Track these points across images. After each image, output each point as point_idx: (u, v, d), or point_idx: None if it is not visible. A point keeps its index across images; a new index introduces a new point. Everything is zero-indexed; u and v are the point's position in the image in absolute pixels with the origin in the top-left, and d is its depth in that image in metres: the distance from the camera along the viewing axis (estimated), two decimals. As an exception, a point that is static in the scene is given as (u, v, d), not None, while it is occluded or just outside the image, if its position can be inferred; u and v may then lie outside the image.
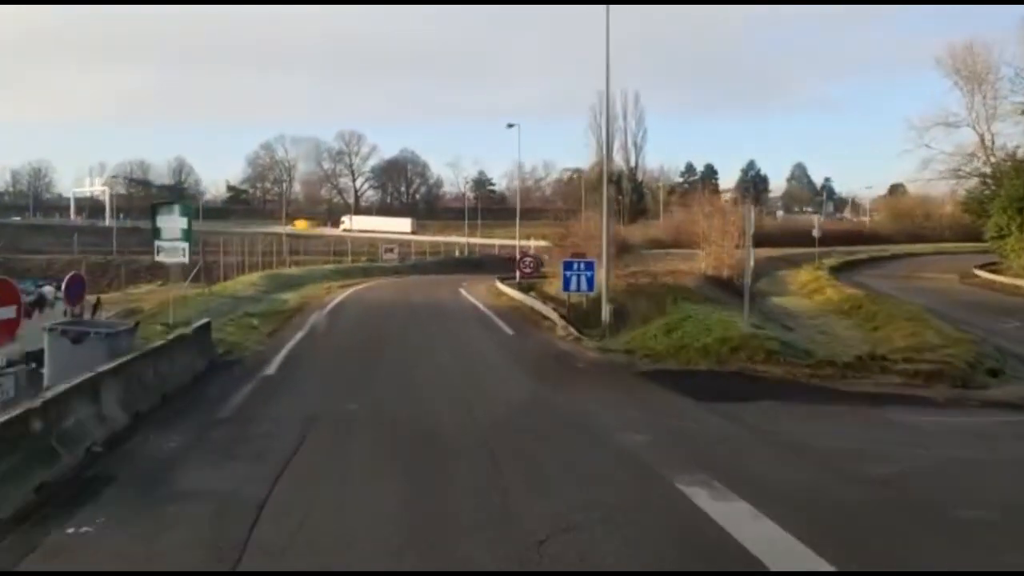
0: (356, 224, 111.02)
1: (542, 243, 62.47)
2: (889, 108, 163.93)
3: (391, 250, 57.81)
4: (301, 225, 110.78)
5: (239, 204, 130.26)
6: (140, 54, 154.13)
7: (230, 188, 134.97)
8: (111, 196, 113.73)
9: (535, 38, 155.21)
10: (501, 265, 73.31)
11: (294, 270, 46.01)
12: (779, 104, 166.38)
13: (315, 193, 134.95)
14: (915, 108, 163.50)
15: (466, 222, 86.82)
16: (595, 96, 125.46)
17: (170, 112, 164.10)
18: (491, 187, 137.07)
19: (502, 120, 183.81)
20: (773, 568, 5.84)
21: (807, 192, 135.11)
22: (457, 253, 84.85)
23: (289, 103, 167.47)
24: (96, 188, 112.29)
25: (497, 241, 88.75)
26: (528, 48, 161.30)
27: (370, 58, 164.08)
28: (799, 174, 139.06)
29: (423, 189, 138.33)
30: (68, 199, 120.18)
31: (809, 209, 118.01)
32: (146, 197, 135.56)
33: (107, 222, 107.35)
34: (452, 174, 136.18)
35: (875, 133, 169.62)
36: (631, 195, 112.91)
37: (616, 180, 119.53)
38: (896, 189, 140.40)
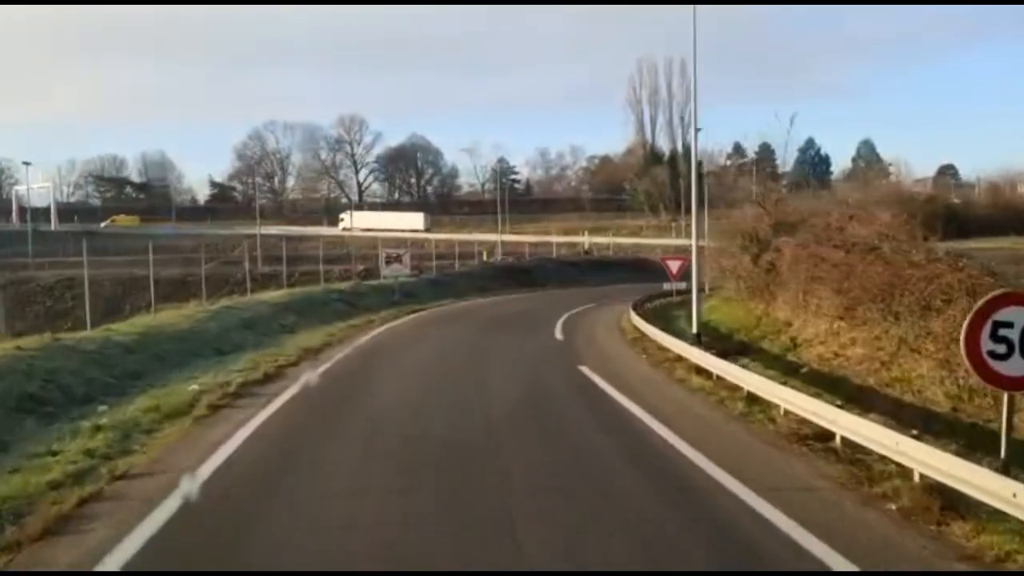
0: (358, 221, 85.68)
1: (678, 241, 37.39)
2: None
3: (397, 258, 31.86)
4: (126, 222, 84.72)
5: (226, 202, 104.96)
6: (122, 45, 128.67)
7: (214, 184, 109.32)
8: (55, 195, 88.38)
9: (554, 23, 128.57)
10: (560, 273, 48.08)
11: (185, 314, 19.86)
12: (831, 81, 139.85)
13: (312, 187, 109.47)
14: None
15: (499, 215, 61.24)
16: (635, 66, 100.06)
17: (152, 106, 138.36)
18: (514, 175, 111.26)
19: (519, 109, 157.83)
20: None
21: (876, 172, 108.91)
22: (485, 256, 59.20)
23: (284, 95, 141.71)
24: (37, 186, 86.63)
25: (554, 239, 63.16)
26: (548, 33, 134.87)
27: (374, 45, 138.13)
28: (866, 152, 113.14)
29: (435, 181, 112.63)
30: (45, 200, 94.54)
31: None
32: (118, 197, 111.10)
33: (52, 225, 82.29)
34: (469, 161, 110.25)
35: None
36: (688, 178, 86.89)
37: (669, 160, 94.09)
38: (947, 170, 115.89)
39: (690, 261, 29.65)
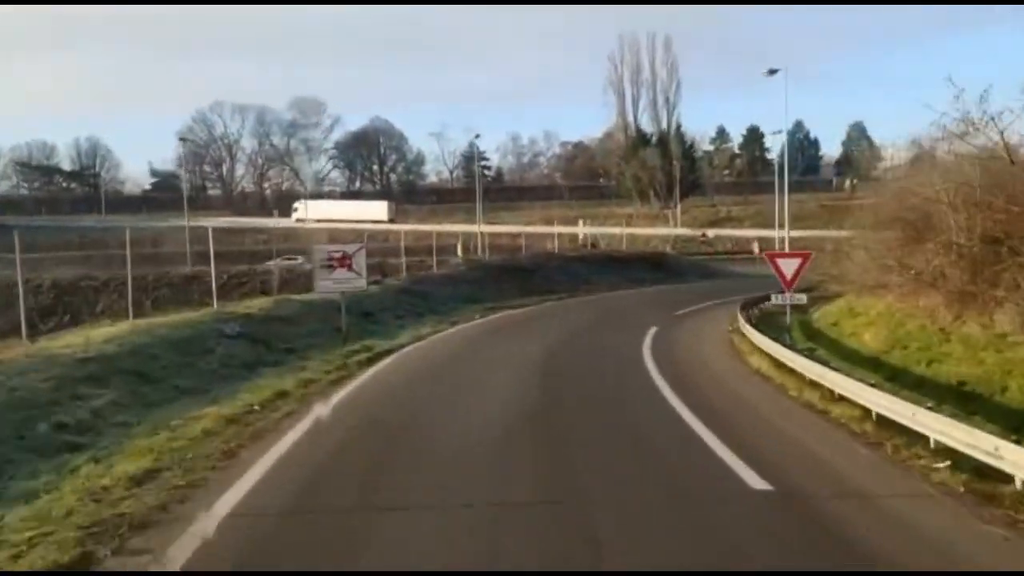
0: (314, 211, 73.65)
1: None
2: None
3: (343, 259, 19.63)
4: None
5: (169, 192, 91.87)
6: (59, 29, 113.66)
7: (154, 173, 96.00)
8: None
9: (526, 9, 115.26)
10: (566, 273, 36.64)
11: None
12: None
13: (265, 176, 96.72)
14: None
15: (478, 202, 49.56)
16: (615, 43, 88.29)
17: (90, 92, 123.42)
18: (484, 161, 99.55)
19: (488, 93, 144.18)
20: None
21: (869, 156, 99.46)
22: (460, 251, 47.46)
23: (235, 79, 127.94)
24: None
25: (555, 229, 51.55)
26: (518, 18, 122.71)
27: (333, 32, 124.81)
28: (856, 135, 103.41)
29: (400, 168, 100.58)
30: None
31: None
32: (47, 186, 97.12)
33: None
34: (436, 147, 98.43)
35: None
36: (682, 162, 76.06)
37: (659, 143, 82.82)
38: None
39: (809, 260, 18.58)
